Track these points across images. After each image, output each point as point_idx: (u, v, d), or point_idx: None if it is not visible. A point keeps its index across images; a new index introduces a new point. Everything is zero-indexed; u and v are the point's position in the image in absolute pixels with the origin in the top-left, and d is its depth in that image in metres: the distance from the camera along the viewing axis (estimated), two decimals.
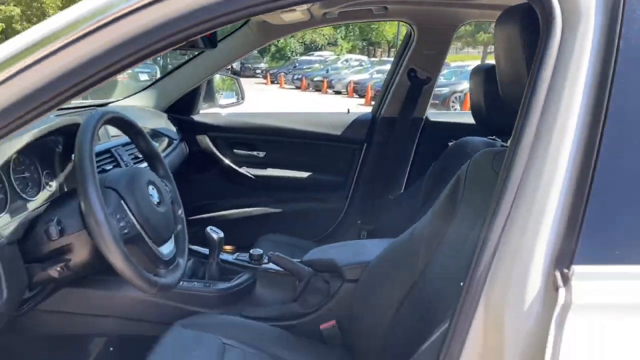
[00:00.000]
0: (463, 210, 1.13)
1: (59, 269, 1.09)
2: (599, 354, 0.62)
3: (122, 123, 1.30)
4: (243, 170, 2.33)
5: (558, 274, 0.64)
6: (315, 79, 20.83)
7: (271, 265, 1.58)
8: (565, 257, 0.65)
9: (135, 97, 2.21)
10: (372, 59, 27.63)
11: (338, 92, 18.93)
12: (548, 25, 0.71)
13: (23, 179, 1.21)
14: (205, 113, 2.37)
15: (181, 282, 1.45)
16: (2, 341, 1.35)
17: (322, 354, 1.38)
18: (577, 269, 0.63)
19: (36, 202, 1.22)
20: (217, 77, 2.47)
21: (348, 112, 2.39)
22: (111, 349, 1.54)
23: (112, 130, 1.59)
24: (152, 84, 2.28)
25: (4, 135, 0.70)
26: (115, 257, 1.01)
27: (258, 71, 26.66)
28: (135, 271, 1.03)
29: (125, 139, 1.57)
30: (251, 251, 1.62)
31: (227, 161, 2.31)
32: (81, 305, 1.40)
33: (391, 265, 1.35)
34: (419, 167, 2.15)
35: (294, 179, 2.35)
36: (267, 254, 1.58)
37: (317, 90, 20.18)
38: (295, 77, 22.20)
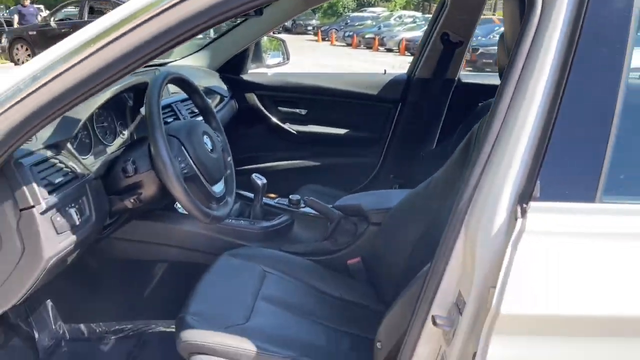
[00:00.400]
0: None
1: (132, 200, 1.35)
2: (543, 265, 0.79)
3: (182, 82, 1.53)
4: (286, 126, 2.52)
5: (518, 208, 0.81)
6: (366, 36, 20.51)
7: (307, 209, 1.81)
8: (525, 195, 0.82)
9: (190, 58, 2.43)
10: (427, 15, 26.80)
11: (389, 50, 18.58)
12: (531, 2, 0.86)
13: (102, 128, 1.47)
14: (253, 73, 2.56)
15: (230, 220, 1.70)
16: (82, 263, 1.64)
17: (348, 285, 1.59)
18: (532, 204, 0.80)
19: (113, 147, 1.48)
20: (264, 38, 2.65)
21: (385, 72, 2.52)
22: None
23: (172, 87, 1.83)
24: (206, 45, 2.48)
25: (99, 90, 0.93)
26: (178, 191, 1.25)
27: (309, 28, 26.42)
28: (193, 203, 1.28)
29: (183, 95, 1.81)
30: (290, 196, 1.84)
31: (272, 118, 2.51)
32: (147, 235, 1.67)
33: (410, 209, 1.53)
34: (450, 125, 2.27)
35: (332, 135, 2.52)
36: (303, 199, 1.80)
37: (368, 48, 19.90)
38: (347, 34, 21.90)
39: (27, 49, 12.25)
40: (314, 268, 1.61)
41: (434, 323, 0.91)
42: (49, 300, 1.64)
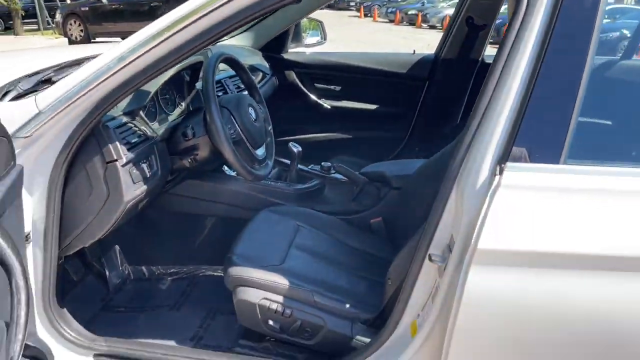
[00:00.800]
0: None
1: (189, 160, 1.62)
2: (513, 212, 1.00)
3: (232, 61, 1.79)
4: (321, 101, 2.74)
5: (497, 167, 1.03)
6: (409, 12, 20.24)
7: (336, 175, 2.05)
8: (503, 157, 1.03)
9: (236, 38, 2.67)
10: None
11: (433, 27, 18.26)
12: (519, 2, 1.05)
13: (165, 99, 1.74)
14: (292, 52, 2.79)
15: (269, 182, 1.96)
16: (145, 215, 1.93)
17: (369, 240, 1.82)
18: (508, 164, 1.01)
19: (173, 115, 1.75)
20: (304, 19, 2.86)
21: (414, 52, 2.70)
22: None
23: (222, 65, 2.09)
24: (250, 27, 2.72)
25: (170, 68, 1.19)
26: (227, 152, 1.51)
27: (352, 3, 26.22)
28: (239, 162, 1.54)
29: (231, 72, 2.06)
30: (322, 163, 2.08)
31: (308, 93, 2.74)
32: (198, 192, 1.94)
33: (425, 176, 1.74)
34: (474, 103, 2.44)
35: (363, 110, 2.72)
36: (333, 166, 2.04)
37: (410, 24, 19.65)
38: (389, 10, 21.67)
39: (79, 25, 12.78)
40: (341, 225, 1.85)
41: (430, 259, 1.14)
42: (117, 246, 1.95)
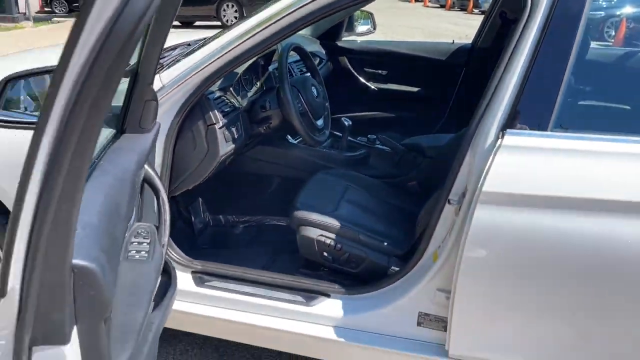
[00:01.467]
0: None
1: (264, 128, 2.05)
2: (510, 164, 1.36)
3: (299, 50, 2.20)
4: (369, 83, 3.12)
5: (500, 132, 1.40)
6: None
7: (380, 146, 2.44)
8: (505, 125, 1.39)
9: None
10: None
11: (484, 12, 18.02)
12: (524, 3, 1.41)
13: (245, 79, 2.18)
14: (345, 40, 3.18)
15: (324, 149, 2.38)
16: (223, 173, 2.37)
17: (405, 198, 2.21)
18: (508, 131, 1.38)
19: (251, 92, 2.19)
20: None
21: (453, 42, 3.03)
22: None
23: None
24: None
25: (260, 53, 1.61)
26: (295, 121, 1.93)
27: None
28: (304, 129, 1.96)
29: (296, 57, 2.48)
30: (368, 136, 2.48)
31: (358, 77, 3.12)
32: (266, 156, 2.37)
33: (453, 147, 2.11)
34: None
35: (407, 92, 3.08)
36: (378, 138, 2.43)
37: (462, 10, 19.42)
38: None
39: None
40: (382, 186, 2.25)
41: (449, 203, 1.53)
42: (200, 198, 2.41)
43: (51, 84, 0.61)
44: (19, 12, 12.45)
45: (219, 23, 13.37)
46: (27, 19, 12.47)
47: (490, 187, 1.37)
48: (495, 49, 2.77)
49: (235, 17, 13.34)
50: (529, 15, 1.41)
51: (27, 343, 0.70)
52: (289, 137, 2.39)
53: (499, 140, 1.39)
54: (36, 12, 14.56)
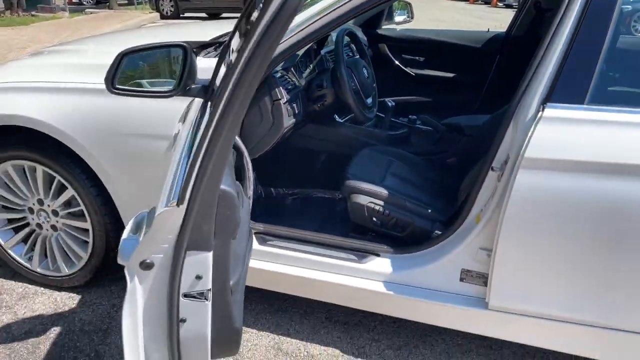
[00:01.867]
0: None
1: (319, 105, 2.26)
2: (548, 133, 1.55)
3: (352, 35, 2.40)
4: (407, 69, 3.31)
5: (541, 106, 1.58)
6: None
7: (420, 126, 2.63)
8: (546, 99, 1.58)
9: None
10: None
11: (509, 6, 17.93)
12: None
13: (301, 61, 2.38)
14: (385, 28, 3.36)
15: (369, 128, 2.58)
16: (276, 148, 2.58)
17: (445, 173, 2.40)
18: (549, 104, 1.56)
19: (306, 73, 2.39)
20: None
21: (488, 30, 3.19)
22: None
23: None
24: None
25: (323, 35, 1.81)
26: (349, 98, 2.13)
27: None
28: (356, 105, 2.16)
29: (346, 41, 2.67)
30: (409, 116, 2.67)
31: (397, 63, 3.31)
32: (317, 133, 2.57)
33: (490, 126, 2.29)
34: None
35: (443, 77, 3.26)
36: (418, 117, 2.62)
37: (486, 3, 19.41)
38: None
39: (170, 0, 13.83)
40: (423, 162, 2.44)
41: (492, 169, 1.71)
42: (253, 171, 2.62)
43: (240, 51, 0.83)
44: (54, 3, 12.93)
45: None
46: (64, 9, 12.95)
47: (532, 154, 1.55)
48: (529, 37, 2.95)
49: None
50: (568, 2, 1.58)
51: (184, 247, 0.92)
52: (336, 116, 2.59)
53: (540, 113, 1.57)
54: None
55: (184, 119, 1.82)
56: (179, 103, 1.86)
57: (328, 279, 1.94)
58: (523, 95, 1.65)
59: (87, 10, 14.33)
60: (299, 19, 1.83)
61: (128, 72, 1.45)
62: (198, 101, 1.74)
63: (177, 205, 0.89)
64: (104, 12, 14.15)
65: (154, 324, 0.99)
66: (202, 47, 2.01)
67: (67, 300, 2.25)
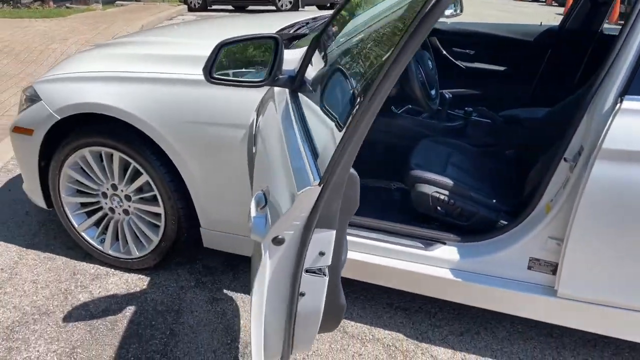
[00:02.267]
0: None
1: None
2: (625, 126, 1.58)
3: None
4: (458, 62, 3.33)
5: (619, 98, 1.61)
6: None
7: (476, 117, 2.66)
8: (623, 92, 1.60)
9: None
10: None
11: (562, 5, 17.46)
12: None
13: None
14: None
15: (426, 119, 2.62)
16: None
17: (503, 164, 2.44)
18: (627, 97, 1.59)
19: None
20: None
21: (540, 24, 3.20)
22: None
23: None
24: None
25: None
26: (416, 88, 2.18)
27: None
28: (422, 95, 2.21)
29: None
30: (465, 108, 2.70)
31: (448, 56, 3.34)
32: (375, 124, 2.63)
33: (550, 120, 2.31)
34: (590, 71, 2.92)
35: (494, 71, 3.28)
36: (475, 109, 2.65)
37: (536, 0, 19.10)
38: None
39: None
40: (480, 153, 2.48)
41: (565, 160, 1.75)
42: None
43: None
44: None
45: (273, 8, 13.68)
46: (97, 1, 13.20)
47: (610, 145, 1.59)
48: (584, 31, 2.95)
49: (290, 2, 13.61)
50: None
51: (314, 225, 0.98)
52: (393, 107, 2.64)
53: (618, 105, 1.60)
54: None
55: (260, 109, 1.89)
56: (255, 93, 1.93)
57: (395, 265, 2.00)
58: (599, 88, 1.68)
59: (117, 2, 14.54)
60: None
61: (225, 62, 1.52)
62: (279, 91, 1.81)
63: (319, 185, 0.96)
64: (134, 4, 14.34)
65: (275, 298, 1.06)
66: (289, 39, 2.08)
67: (138, 282, 2.35)
